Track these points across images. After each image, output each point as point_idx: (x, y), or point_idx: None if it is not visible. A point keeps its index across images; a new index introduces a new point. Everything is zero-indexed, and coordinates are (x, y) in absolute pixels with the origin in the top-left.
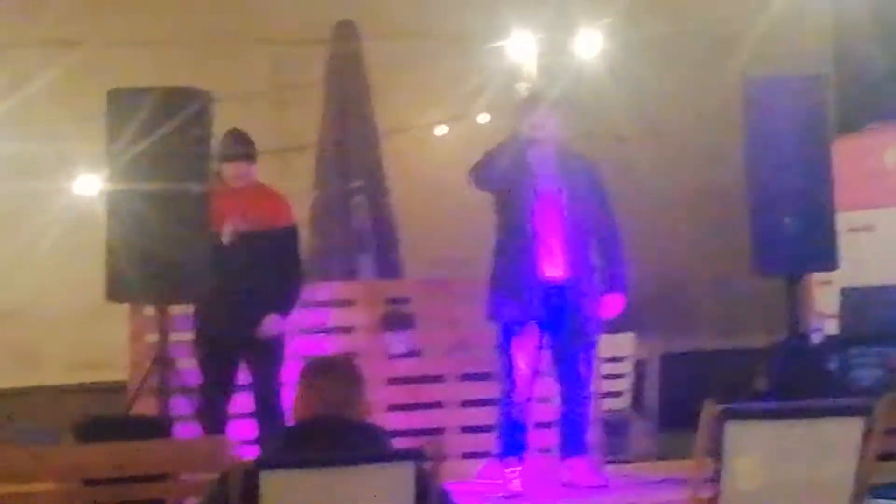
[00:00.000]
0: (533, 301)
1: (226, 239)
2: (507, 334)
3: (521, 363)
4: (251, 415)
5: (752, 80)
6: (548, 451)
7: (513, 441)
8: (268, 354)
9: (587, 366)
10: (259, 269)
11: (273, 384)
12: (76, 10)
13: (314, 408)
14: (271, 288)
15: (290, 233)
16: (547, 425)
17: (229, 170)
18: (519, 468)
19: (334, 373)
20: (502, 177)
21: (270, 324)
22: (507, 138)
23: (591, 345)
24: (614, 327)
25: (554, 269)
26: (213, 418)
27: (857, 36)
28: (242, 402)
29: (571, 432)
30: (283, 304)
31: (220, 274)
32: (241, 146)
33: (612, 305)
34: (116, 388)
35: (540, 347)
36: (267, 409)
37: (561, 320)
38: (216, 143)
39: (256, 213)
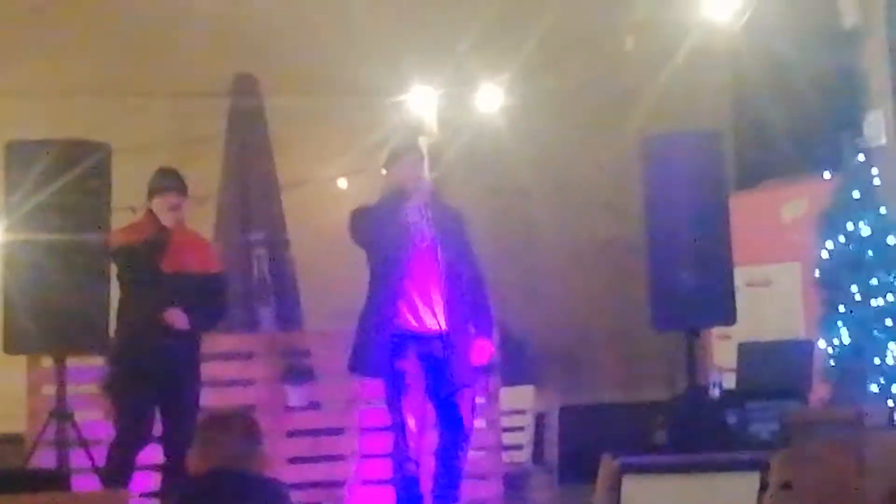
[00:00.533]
0: (413, 353)
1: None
2: (395, 388)
3: (410, 418)
4: (156, 466)
5: (649, 136)
6: None
7: (408, 496)
8: (184, 400)
9: (469, 415)
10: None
11: (185, 436)
12: None
13: (210, 461)
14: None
15: (222, 281)
16: None
17: (161, 203)
18: None
19: (231, 426)
20: (378, 231)
21: (176, 315)
22: (381, 192)
23: (472, 394)
24: (513, 380)
25: (431, 320)
26: (123, 466)
27: (754, 93)
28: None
29: (448, 483)
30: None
31: (147, 305)
32: (172, 178)
33: (482, 351)
34: (14, 440)
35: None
36: (177, 461)
37: (441, 371)
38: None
39: (189, 256)
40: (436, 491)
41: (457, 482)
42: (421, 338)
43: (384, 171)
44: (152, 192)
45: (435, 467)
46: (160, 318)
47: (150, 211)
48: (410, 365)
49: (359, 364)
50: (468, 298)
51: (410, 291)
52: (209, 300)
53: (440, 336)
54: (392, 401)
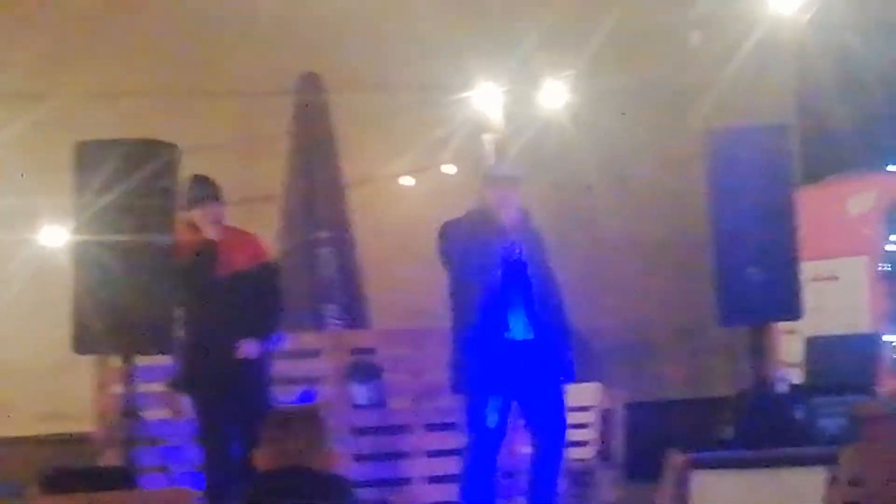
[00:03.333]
0: (501, 365)
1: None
2: (475, 403)
3: (491, 423)
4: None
5: (714, 130)
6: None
7: (479, 492)
8: (255, 407)
9: (562, 417)
10: (246, 309)
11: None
12: (42, 63)
13: (277, 459)
14: (254, 324)
15: (274, 269)
16: (510, 475)
17: (203, 217)
18: None
19: (297, 424)
20: (469, 247)
21: (246, 346)
22: (474, 209)
23: (562, 397)
24: (578, 377)
25: (522, 331)
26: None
27: (820, 87)
28: None
29: (548, 491)
30: (260, 329)
31: (209, 314)
32: (209, 187)
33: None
34: (83, 440)
35: (507, 411)
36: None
37: (531, 379)
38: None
39: (239, 256)
40: (532, 493)
41: (551, 480)
42: (512, 347)
43: (453, 170)
44: (192, 203)
45: (532, 475)
46: (230, 344)
47: (188, 222)
48: (502, 374)
49: (457, 379)
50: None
51: (502, 307)
52: (267, 291)
53: (531, 345)
54: (471, 411)
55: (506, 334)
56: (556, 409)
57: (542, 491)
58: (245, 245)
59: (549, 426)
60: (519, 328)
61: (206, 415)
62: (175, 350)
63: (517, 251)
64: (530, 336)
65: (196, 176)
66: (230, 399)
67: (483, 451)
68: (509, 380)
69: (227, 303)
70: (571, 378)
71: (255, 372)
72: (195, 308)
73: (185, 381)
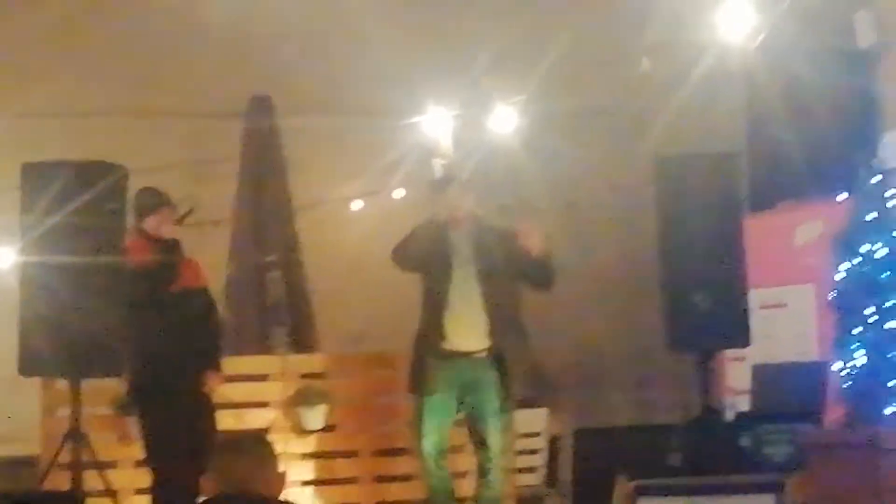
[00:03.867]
0: (449, 374)
1: None
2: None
3: (434, 435)
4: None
5: (664, 157)
6: None
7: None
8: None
9: (499, 438)
10: (196, 327)
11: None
12: None
13: (224, 484)
14: (202, 344)
15: (210, 293)
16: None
17: (161, 218)
18: None
19: (244, 448)
20: (421, 258)
21: (215, 381)
22: (424, 220)
23: (507, 416)
24: (527, 402)
25: (472, 341)
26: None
27: (769, 114)
28: None
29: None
30: (216, 360)
31: (163, 327)
32: (159, 195)
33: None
34: (28, 462)
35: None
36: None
37: (477, 393)
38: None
39: (188, 272)
40: None
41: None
42: (457, 359)
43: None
44: (146, 212)
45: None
46: (200, 380)
47: (141, 230)
48: (444, 386)
49: (412, 384)
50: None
51: (452, 313)
52: (209, 316)
53: (480, 357)
54: (416, 421)
55: (451, 346)
56: (489, 432)
57: None
58: (190, 264)
59: (482, 448)
60: (469, 339)
61: (157, 433)
62: (124, 368)
63: (474, 260)
64: (478, 348)
65: (144, 188)
66: (180, 418)
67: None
68: (456, 392)
69: (180, 317)
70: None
71: (205, 394)
72: (149, 320)
73: (135, 397)
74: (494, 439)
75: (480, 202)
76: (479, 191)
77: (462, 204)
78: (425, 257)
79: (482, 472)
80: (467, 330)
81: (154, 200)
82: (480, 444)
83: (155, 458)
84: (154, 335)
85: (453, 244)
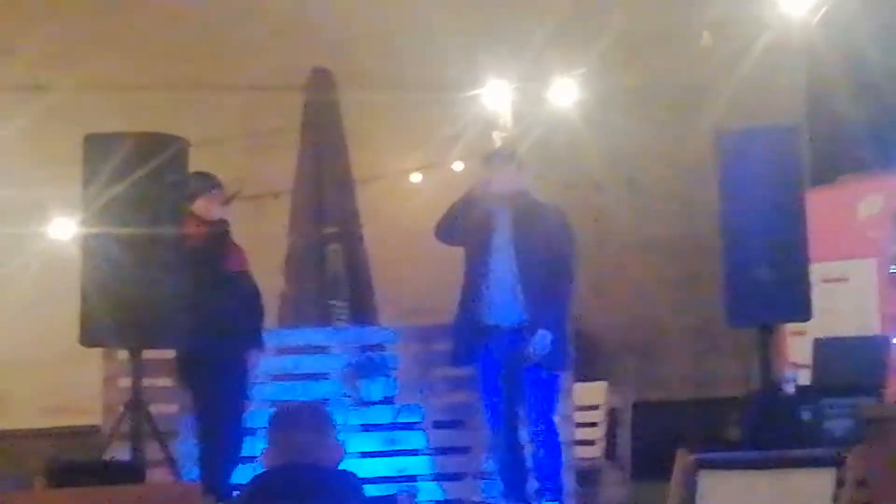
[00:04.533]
0: (489, 348)
1: None
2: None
3: (491, 408)
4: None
5: (725, 132)
6: None
7: (508, 481)
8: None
9: (544, 408)
10: (242, 307)
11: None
12: (49, 55)
13: (283, 455)
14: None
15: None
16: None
17: (211, 201)
18: None
19: (303, 420)
20: (461, 233)
21: (258, 361)
22: (461, 196)
23: (546, 387)
24: (586, 375)
25: (509, 315)
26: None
27: (830, 88)
28: None
29: (543, 474)
30: (259, 339)
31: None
32: (209, 178)
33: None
34: (89, 433)
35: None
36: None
37: (516, 365)
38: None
39: (234, 256)
40: (539, 479)
41: (550, 472)
42: (497, 332)
43: (461, 167)
44: (194, 195)
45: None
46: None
47: (193, 214)
48: (489, 359)
49: (453, 355)
50: (548, 293)
51: (491, 288)
52: (253, 300)
53: (517, 331)
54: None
55: (489, 319)
56: (534, 403)
57: (541, 479)
58: (237, 249)
59: (530, 420)
60: (505, 312)
61: (202, 406)
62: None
63: (511, 236)
64: (516, 321)
65: (195, 172)
66: (224, 393)
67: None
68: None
69: (225, 299)
70: (559, 368)
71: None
72: (196, 300)
73: (182, 372)
74: (541, 409)
75: (540, 176)
76: (539, 165)
77: (510, 180)
78: (466, 232)
79: (534, 441)
80: (507, 303)
81: (203, 184)
82: (528, 414)
83: (200, 430)
84: (200, 314)
85: (496, 218)
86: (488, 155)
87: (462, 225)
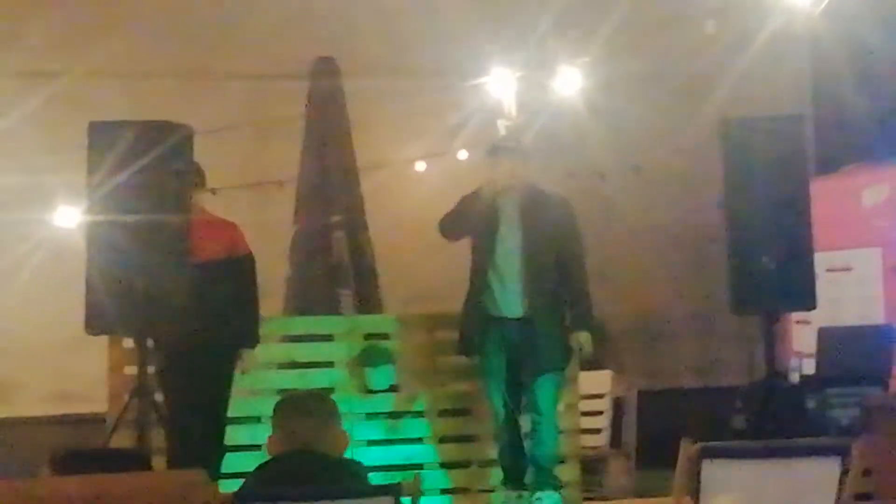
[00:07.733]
0: (495, 337)
1: None
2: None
3: (496, 399)
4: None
5: (729, 120)
6: None
7: (515, 466)
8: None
9: (547, 401)
10: (222, 299)
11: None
12: (54, 42)
13: (288, 444)
14: (232, 318)
15: (245, 262)
16: None
17: None
18: None
19: (308, 407)
20: (467, 225)
21: (247, 362)
22: (470, 193)
23: (552, 378)
24: (591, 364)
25: (513, 307)
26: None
27: (835, 77)
28: None
29: (539, 465)
30: (252, 337)
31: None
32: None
33: (581, 342)
34: (94, 421)
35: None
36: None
37: (521, 357)
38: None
39: (210, 244)
40: (534, 472)
41: (546, 462)
42: (503, 323)
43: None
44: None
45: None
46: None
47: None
48: (494, 349)
49: (460, 345)
50: (568, 289)
51: (497, 278)
52: (240, 285)
53: (522, 321)
54: (484, 383)
55: (493, 311)
56: (536, 395)
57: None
58: (219, 234)
59: (531, 411)
60: (509, 304)
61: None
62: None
63: (519, 230)
64: (519, 313)
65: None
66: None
67: (496, 428)
68: (496, 356)
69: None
70: (559, 364)
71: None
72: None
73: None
74: (543, 401)
75: (545, 165)
76: (543, 153)
77: (516, 172)
78: (472, 224)
79: (533, 432)
80: (512, 294)
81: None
82: (530, 405)
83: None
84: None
85: (502, 210)
86: (493, 146)
87: (468, 216)
